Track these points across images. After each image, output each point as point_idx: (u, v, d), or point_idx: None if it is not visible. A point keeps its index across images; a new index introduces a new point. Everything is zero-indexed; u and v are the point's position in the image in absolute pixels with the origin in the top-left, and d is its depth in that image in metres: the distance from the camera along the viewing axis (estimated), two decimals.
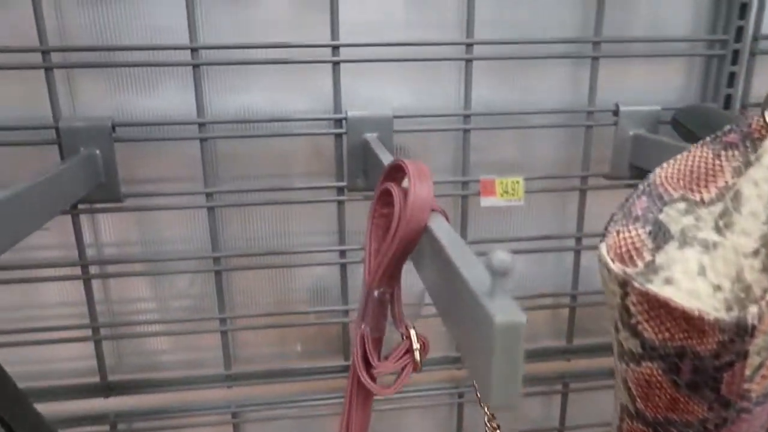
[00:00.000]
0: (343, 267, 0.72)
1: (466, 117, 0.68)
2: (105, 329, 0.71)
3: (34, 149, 0.63)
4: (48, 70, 0.61)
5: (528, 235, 0.76)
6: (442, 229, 0.31)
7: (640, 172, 0.71)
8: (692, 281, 0.28)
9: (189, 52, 0.62)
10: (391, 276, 0.34)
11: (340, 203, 0.69)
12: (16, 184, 0.47)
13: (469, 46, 0.66)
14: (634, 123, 0.70)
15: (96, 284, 0.70)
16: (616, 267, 0.30)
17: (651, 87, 0.73)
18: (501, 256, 0.22)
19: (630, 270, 0.30)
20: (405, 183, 0.35)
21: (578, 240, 0.75)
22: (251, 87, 0.67)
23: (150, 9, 0.63)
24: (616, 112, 0.70)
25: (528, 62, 0.70)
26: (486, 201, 0.69)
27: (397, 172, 0.35)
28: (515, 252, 0.75)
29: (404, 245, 0.33)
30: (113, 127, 0.62)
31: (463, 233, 0.72)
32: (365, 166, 0.66)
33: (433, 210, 0.33)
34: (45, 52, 0.60)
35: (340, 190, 0.69)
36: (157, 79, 0.66)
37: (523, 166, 0.74)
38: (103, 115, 0.65)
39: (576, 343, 0.79)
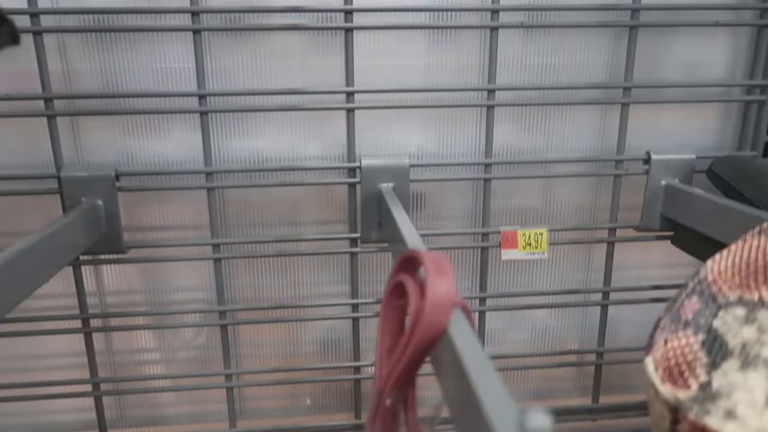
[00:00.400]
0: (356, 321, 0.68)
1: (487, 166, 0.65)
2: (106, 384, 0.67)
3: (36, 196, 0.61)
4: (50, 118, 0.58)
5: (551, 288, 0.72)
6: (464, 338, 0.27)
7: (672, 224, 0.66)
8: (759, 416, 0.24)
9: (197, 98, 0.60)
10: (405, 381, 0.30)
11: (353, 255, 0.66)
12: (17, 240, 0.45)
13: (491, 92, 0.62)
14: (667, 172, 0.65)
15: (98, 335, 0.67)
16: (666, 390, 0.26)
17: (685, 133, 0.69)
18: (537, 422, 0.18)
19: (683, 394, 0.26)
20: (422, 272, 0.31)
21: (605, 294, 0.70)
22: (261, 131, 0.64)
23: (158, 53, 0.60)
24: (647, 161, 0.65)
25: (554, 106, 0.66)
26: (507, 254, 0.65)
27: (412, 261, 0.32)
28: (538, 306, 0.71)
29: (421, 349, 0.29)
30: (117, 176, 0.59)
31: (483, 287, 0.68)
32: (380, 218, 0.63)
33: (454, 304, 0.29)
34: (47, 100, 0.58)
35: (353, 242, 0.65)
36: (165, 123, 0.63)
37: (546, 214, 0.70)
38: (107, 159, 0.62)
39: (603, 401, 0.74)
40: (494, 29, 0.60)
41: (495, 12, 0.60)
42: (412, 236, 0.47)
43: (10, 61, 0.59)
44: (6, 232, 0.64)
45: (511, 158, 0.67)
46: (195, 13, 0.57)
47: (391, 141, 0.66)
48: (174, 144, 0.64)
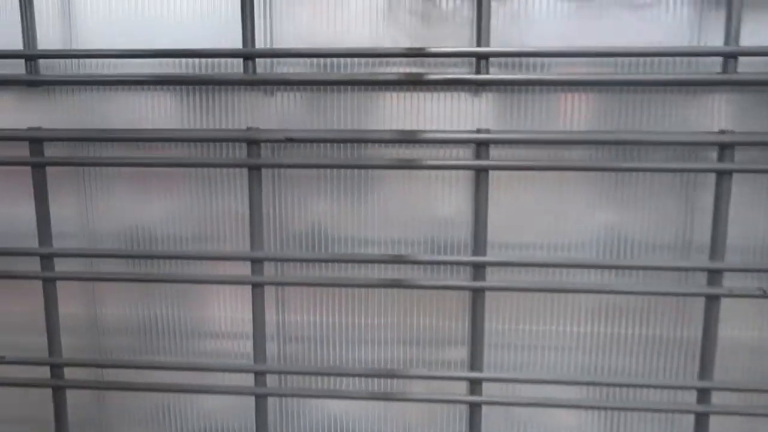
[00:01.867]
0: None
1: None
2: None
3: None
4: (58, 390, 0.42)
5: None
6: None
7: None
8: None
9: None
10: None
11: None
12: None
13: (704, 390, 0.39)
14: None
15: None
16: None
17: None
18: None
19: None
20: None
21: None
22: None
23: (210, 302, 0.43)
24: None
25: None
26: None
27: None
28: None
29: None
30: None
31: None
32: None
33: None
34: (55, 366, 0.42)
35: None
36: (212, 374, 0.45)
37: None
38: (134, 416, 0.45)
39: None
40: (714, 298, 0.38)
41: (716, 272, 0.37)
42: None
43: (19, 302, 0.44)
44: None
45: None
46: (256, 261, 0.40)
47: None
48: (224, 401, 0.46)
